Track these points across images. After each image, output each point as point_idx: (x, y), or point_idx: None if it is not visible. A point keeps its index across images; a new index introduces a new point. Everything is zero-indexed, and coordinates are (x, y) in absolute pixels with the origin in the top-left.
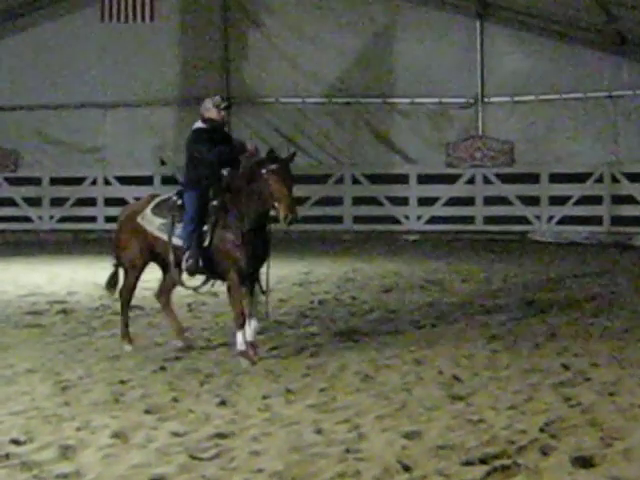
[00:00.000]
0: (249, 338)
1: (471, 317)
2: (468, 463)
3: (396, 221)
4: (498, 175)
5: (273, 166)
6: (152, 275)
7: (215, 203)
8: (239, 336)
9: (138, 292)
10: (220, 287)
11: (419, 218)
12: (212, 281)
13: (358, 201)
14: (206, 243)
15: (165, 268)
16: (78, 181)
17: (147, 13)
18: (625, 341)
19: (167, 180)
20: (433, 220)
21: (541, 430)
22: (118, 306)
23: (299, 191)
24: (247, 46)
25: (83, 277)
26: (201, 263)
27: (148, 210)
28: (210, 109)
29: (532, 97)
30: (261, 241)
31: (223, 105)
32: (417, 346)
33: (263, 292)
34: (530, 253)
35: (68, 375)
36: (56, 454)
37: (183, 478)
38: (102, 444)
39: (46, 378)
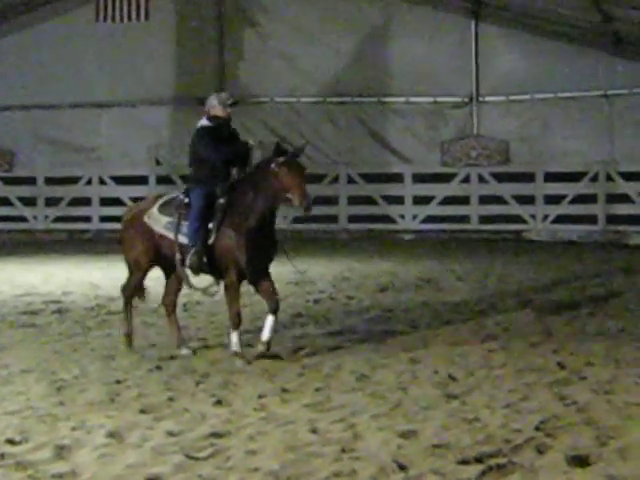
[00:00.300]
0: (266, 337)
1: (466, 316)
2: (463, 462)
3: (391, 220)
4: (493, 174)
5: (283, 158)
6: (151, 274)
7: (222, 201)
8: (234, 336)
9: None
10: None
11: (414, 217)
12: (220, 281)
13: (353, 200)
14: (211, 241)
15: (169, 272)
16: (73, 181)
17: (142, 13)
18: (620, 340)
19: (162, 180)
20: (428, 219)
21: (536, 429)
22: (113, 306)
23: None
24: (242, 45)
25: (78, 277)
26: (205, 260)
27: (155, 209)
28: (215, 106)
29: (527, 96)
30: (267, 241)
31: (229, 102)
32: (412, 345)
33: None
34: (525, 252)
35: (63, 375)
36: (51, 454)
37: (179, 477)
38: (97, 444)
39: (41, 378)
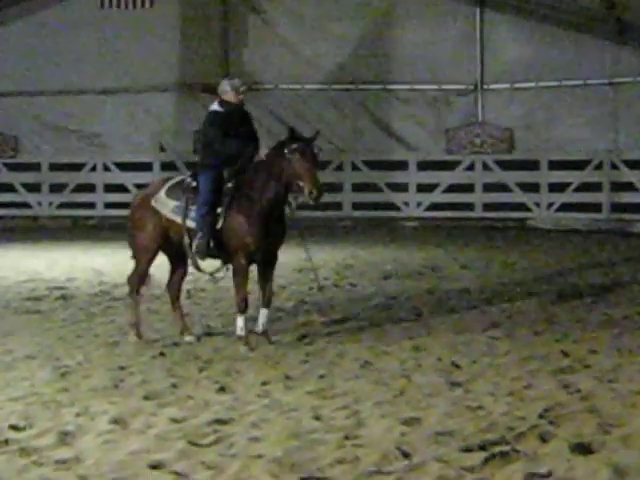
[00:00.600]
0: (260, 329)
1: (470, 304)
2: (467, 449)
3: (396, 208)
4: (497, 162)
5: (296, 145)
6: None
7: (230, 185)
8: (240, 321)
9: None
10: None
11: (418, 205)
12: (228, 265)
13: (357, 188)
14: (219, 225)
15: (174, 259)
16: (77, 167)
17: None
18: (624, 328)
19: (166, 166)
20: (432, 207)
21: (540, 417)
22: (117, 292)
23: None
24: (247, 32)
25: (82, 263)
26: (212, 244)
27: (162, 193)
28: (228, 92)
29: (532, 84)
30: (276, 226)
31: (242, 88)
32: (416, 333)
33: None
34: (529, 240)
35: (67, 361)
36: (55, 440)
37: (182, 464)
38: (101, 430)
39: (45, 364)
